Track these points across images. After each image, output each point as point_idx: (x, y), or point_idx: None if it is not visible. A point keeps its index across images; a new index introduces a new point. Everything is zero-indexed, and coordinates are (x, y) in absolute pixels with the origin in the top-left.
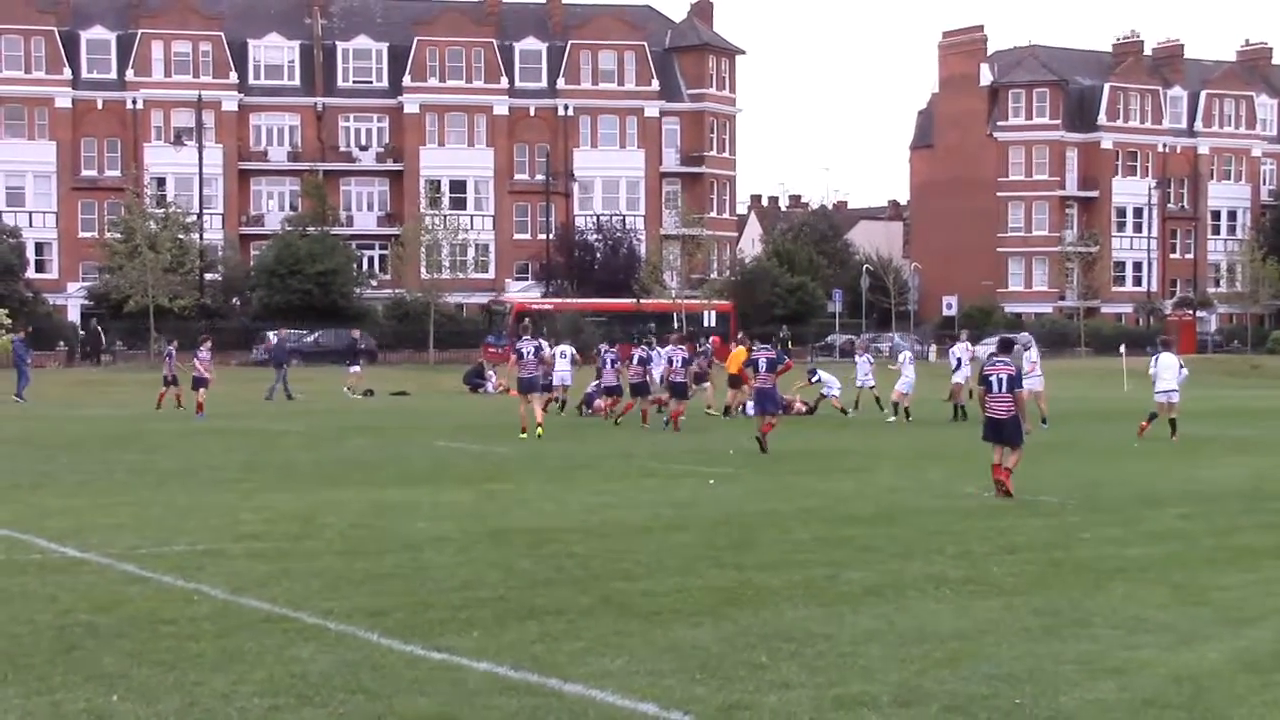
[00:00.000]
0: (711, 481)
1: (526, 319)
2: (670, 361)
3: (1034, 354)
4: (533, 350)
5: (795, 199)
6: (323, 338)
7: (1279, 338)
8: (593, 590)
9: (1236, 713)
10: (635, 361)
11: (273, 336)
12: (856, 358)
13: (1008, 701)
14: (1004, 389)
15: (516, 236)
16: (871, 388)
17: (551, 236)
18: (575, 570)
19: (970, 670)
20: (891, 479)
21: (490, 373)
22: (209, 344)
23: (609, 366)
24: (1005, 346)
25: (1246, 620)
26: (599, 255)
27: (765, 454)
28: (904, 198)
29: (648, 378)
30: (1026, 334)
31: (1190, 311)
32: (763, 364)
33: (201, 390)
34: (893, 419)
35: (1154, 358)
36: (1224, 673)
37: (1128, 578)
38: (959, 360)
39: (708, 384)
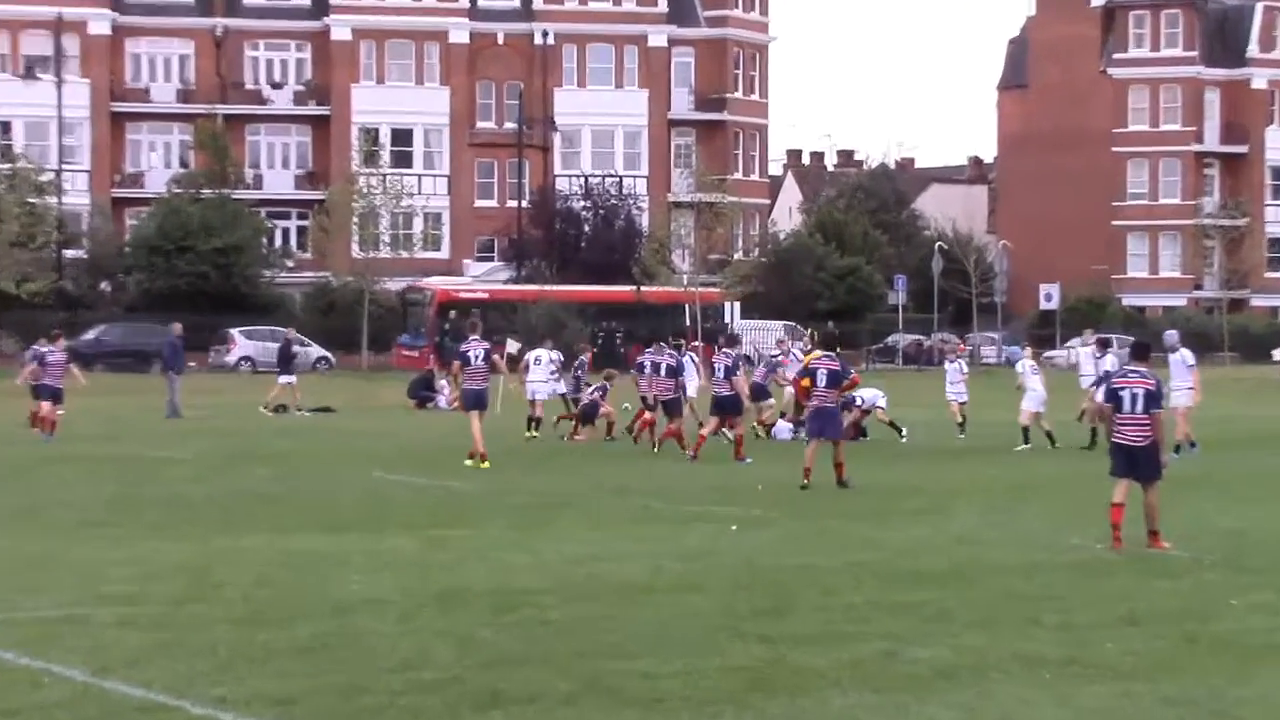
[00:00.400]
0: (734, 528)
1: (475, 314)
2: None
3: (1187, 357)
4: (482, 355)
5: (846, 156)
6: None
7: None
8: (575, 671)
9: None
10: (661, 371)
11: (238, 335)
12: (947, 364)
13: None
14: (1140, 408)
15: (479, 203)
16: (963, 403)
17: (525, 204)
18: (552, 644)
19: None
20: (971, 526)
21: (442, 383)
22: (61, 343)
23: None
24: (1141, 352)
25: None
26: (587, 229)
27: (846, 487)
28: (989, 154)
29: (681, 392)
30: (1174, 331)
31: None
32: (823, 376)
33: (47, 405)
34: (1022, 446)
35: None
36: None
37: None
38: (1101, 369)
39: (770, 400)
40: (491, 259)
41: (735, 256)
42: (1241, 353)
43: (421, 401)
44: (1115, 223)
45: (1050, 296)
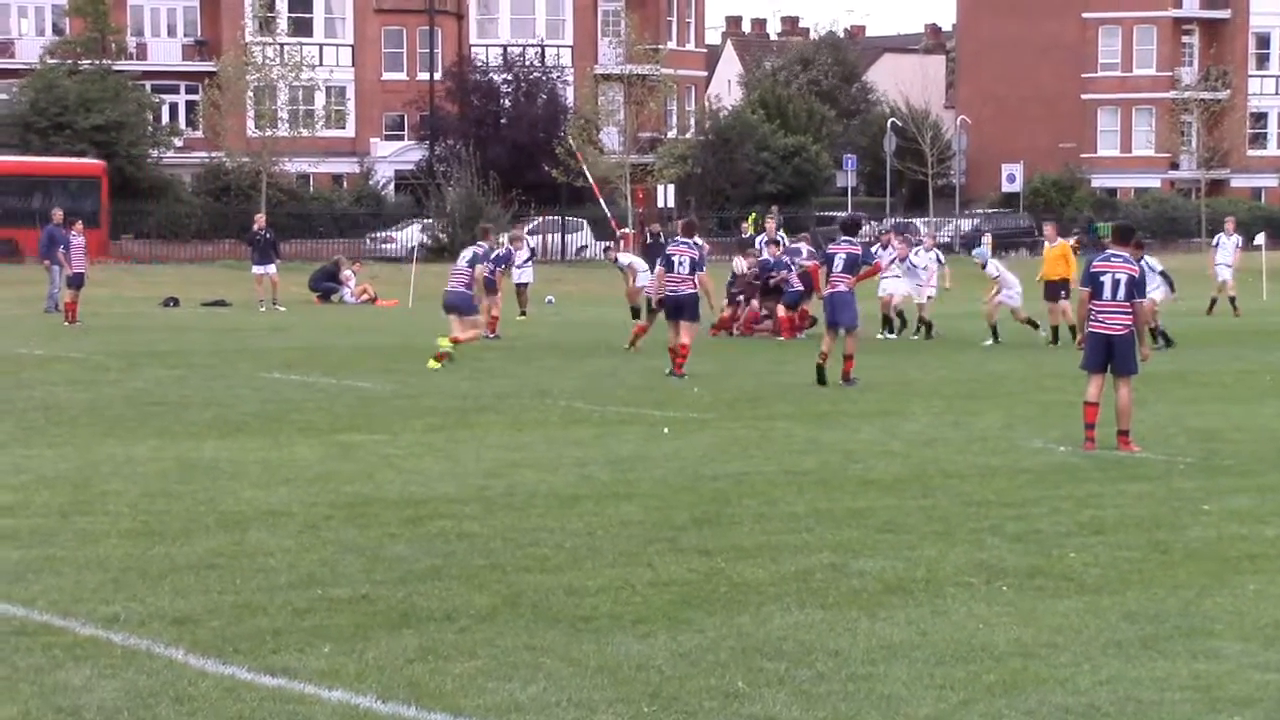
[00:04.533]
0: (666, 431)
1: None
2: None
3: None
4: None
5: (790, 23)
6: None
7: None
8: (495, 586)
9: None
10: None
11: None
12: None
13: None
14: (1121, 294)
15: (386, 76)
16: (930, 298)
17: (438, 77)
18: (470, 557)
19: (1036, 700)
20: (925, 429)
21: (347, 273)
22: None
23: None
24: (1124, 235)
25: None
26: (507, 104)
27: (850, 384)
28: (947, 21)
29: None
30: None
31: None
32: (840, 261)
33: None
34: (989, 343)
35: None
36: None
37: (1262, 568)
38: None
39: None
40: (402, 138)
41: (670, 135)
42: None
43: (325, 294)
44: (1085, 96)
45: (1013, 178)
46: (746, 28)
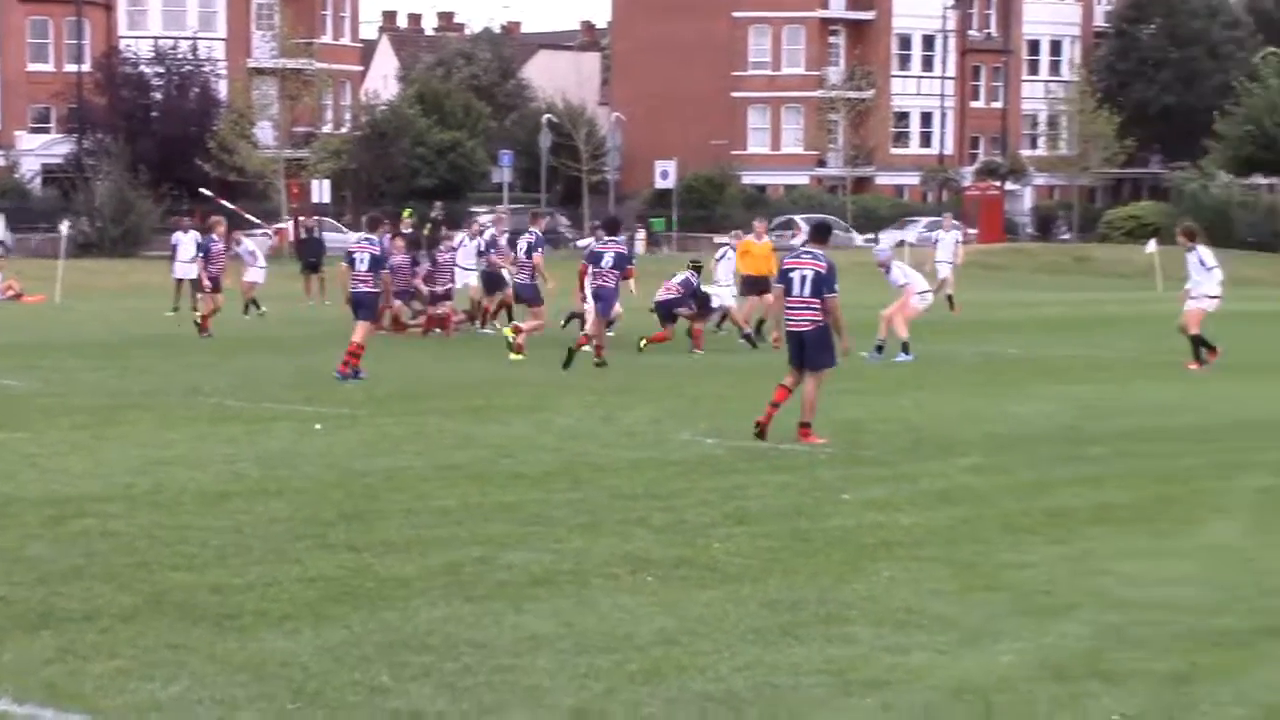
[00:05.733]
0: (318, 426)
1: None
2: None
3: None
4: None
5: (446, 18)
6: None
7: (1116, 220)
8: (138, 585)
9: None
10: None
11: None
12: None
13: None
14: (808, 291)
15: (32, 67)
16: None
17: (86, 69)
18: (113, 557)
19: (677, 688)
20: (578, 421)
21: None
22: None
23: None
24: (820, 234)
25: (1053, 610)
26: (158, 97)
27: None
28: (602, 19)
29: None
30: (884, 249)
31: (997, 183)
32: (609, 258)
33: None
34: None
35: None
36: (1020, 682)
37: (896, 555)
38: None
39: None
40: (49, 130)
41: (325, 129)
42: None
43: None
44: (735, 94)
45: (666, 174)
46: (402, 22)
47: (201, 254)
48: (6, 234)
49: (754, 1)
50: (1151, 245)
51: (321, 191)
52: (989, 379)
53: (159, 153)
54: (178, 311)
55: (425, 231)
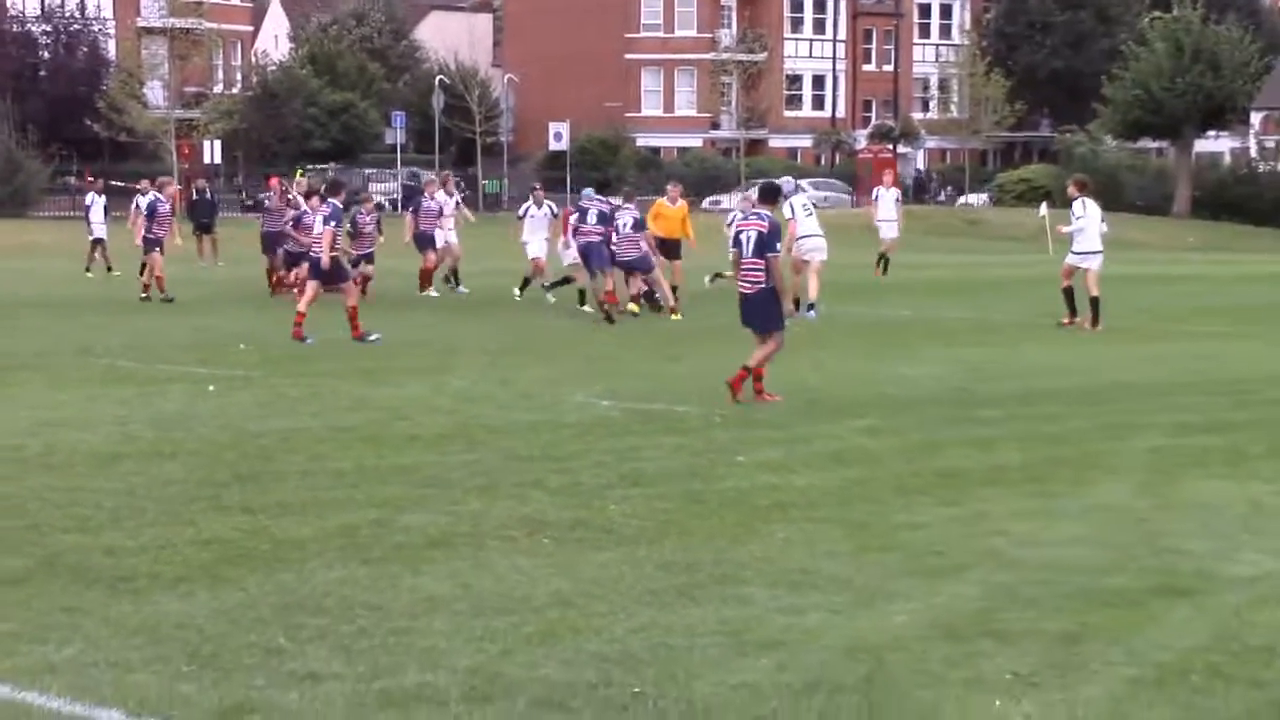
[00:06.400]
0: (211, 388)
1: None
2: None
3: (802, 202)
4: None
5: None
6: None
7: (1006, 183)
8: (29, 548)
9: (927, 695)
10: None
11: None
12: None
13: (623, 691)
14: (750, 251)
15: None
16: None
17: None
18: (3, 520)
19: (573, 649)
20: (473, 384)
21: None
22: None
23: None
24: (768, 195)
25: (945, 570)
26: (46, 56)
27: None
28: None
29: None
30: (789, 179)
31: (889, 146)
32: (593, 215)
33: None
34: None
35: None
36: (913, 641)
37: (791, 516)
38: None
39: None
40: None
41: (216, 90)
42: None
43: None
44: (628, 56)
45: (559, 136)
46: None
47: (146, 214)
48: None
49: None
50: (1043, 209)
51: (213, 152)
52: (882, 341)
53: (48, 113)
54: (90, 273)
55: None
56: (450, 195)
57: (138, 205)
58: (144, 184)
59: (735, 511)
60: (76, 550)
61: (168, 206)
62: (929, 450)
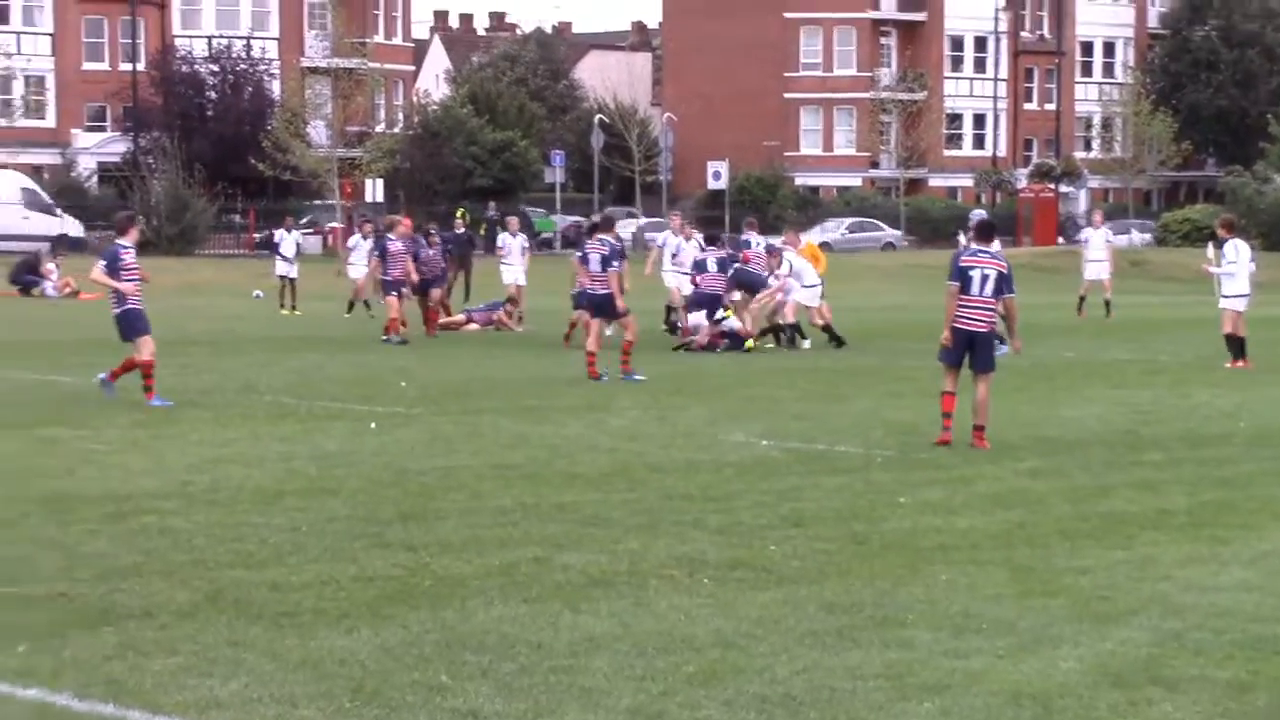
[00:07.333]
0: (373, 426)
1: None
2: None
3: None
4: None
5: (498, 19)
6: None
7: (1172, 223)
8: (197, 582)
9: None
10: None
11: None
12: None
13: None
14: (990, 290)
15: (87, 66)
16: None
17: (141, 67)
18: (172, 554)
19: (734, 690)
20: (633, 422)
21: (51, 266)
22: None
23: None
24: (985, 232)
25: (1112, 616)
26: (213, 96)
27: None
28: (653, 19)
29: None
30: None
31: (1051, 185)
32: (596, 261)
33: None
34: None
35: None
36: (1080, 688)
37: (953, 559)
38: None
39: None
40: (105, 129)
41: (378, 129)
42: (919, 237)
43: (26, 287)
44: (787, 95)
45: (718, 175)
46: (454, 23)
47: (378, 254)
48: (81, 232)
49: (805, 2)
50: (1210, 250)
51: (375, 190)
52: (1043, 382)
53: (213, 151)
54: (289, 310)
55: (481, 231)
56: (514, 236)
57: (281, 242)
58: (288, 220)
59: (897, 553)
60: (241, 585)
61: (399, 245)
62: (1094, 493)
